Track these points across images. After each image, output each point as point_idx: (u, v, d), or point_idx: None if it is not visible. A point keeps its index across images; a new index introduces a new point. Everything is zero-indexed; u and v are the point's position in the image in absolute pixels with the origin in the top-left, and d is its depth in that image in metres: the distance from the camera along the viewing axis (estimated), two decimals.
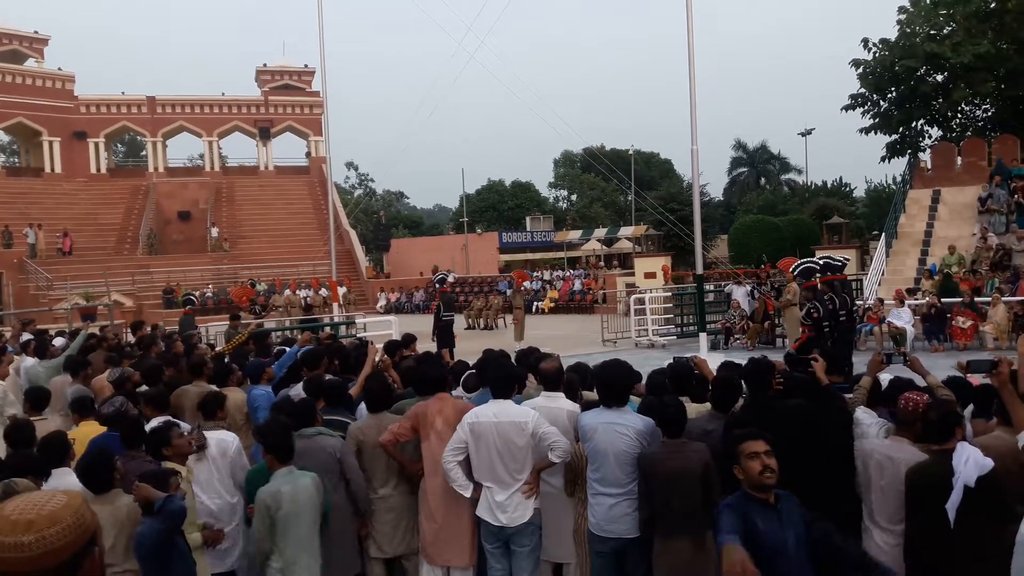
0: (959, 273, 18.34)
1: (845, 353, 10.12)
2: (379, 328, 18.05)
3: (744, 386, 4.93)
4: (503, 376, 4.97)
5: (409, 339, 8.38)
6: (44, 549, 1.62)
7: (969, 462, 3.58)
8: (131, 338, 12.36)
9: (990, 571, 3.38)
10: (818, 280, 11.76)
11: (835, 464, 4.36)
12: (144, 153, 47.26)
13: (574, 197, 65.33)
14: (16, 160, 47.97)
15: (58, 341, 10.91)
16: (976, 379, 4.91)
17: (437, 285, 17.65)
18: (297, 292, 29.59)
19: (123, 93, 42.81)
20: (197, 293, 27.75)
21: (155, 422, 5.20)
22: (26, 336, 11.54)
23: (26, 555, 1.61)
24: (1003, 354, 5.08)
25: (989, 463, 3.56)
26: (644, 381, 5.71)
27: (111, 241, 37.99)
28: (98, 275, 28.57)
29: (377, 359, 6.63)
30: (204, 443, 5.06)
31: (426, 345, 12.33)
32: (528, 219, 53.01)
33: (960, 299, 15.97)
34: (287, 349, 8.21)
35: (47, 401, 6.57)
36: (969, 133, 27.69)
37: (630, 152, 57.04)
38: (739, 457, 3.63)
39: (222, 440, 5.18)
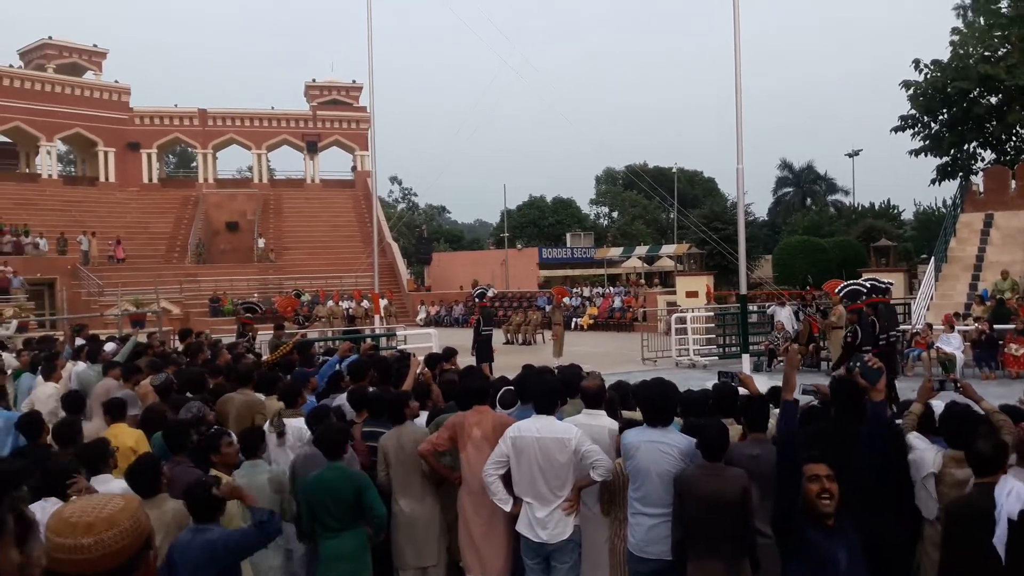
0: (1012, 299, 17.86)
1: (892, 377, 9.93)
2: (419, 340, 18.15)
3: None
4: (547, 391, 4.94)
5: (450, 352, 8.42)
6: (102, 552, 1.66)
7: (1012, 494, 3.49)
8: (179, 345, 12.62)
9: None
10: (863, 302, 11.57)
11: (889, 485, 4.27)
12: (195, 164, 48.40)
13: (615, 214, 65.16)
14: (72, 169, 49.48)
15: (108, 347, 11.18)
16: None
17: (477, 299, 17.75)
18: (340, 303, 29.93)
19: (176, 106, 44.00)
20: (256, 298, 27.90)
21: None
22: (79, 341, 11.88)
23: (84, 557, 1.65)
24: None
25: None
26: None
27: (161, 249, 38.92)
28: (148, 282, 29.26)
29: (418, 371, 6.68)
30: (283, 430, 5.44)
31: (465, 359, 12.37)
32: (568, 235, 52.97)
33: (1013, 326, 15.55)
34: (329, 359, 8.31)
35: (83, 404, 6.71)
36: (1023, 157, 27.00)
37: (673, 170, 56.72)
38: (800, 477, 3.58)
39: (300, 428, 5.47)
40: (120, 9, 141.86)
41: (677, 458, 4.38)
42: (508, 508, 4.78)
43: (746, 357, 13.05)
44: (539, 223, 57.55)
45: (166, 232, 40.16)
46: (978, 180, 24.90)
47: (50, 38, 41.21)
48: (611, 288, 36.16)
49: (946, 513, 3.74)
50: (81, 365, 9.40)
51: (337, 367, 7.87)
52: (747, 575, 4.01)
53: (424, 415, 6.01)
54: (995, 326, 15.71)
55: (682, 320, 19.46)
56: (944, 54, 27.55)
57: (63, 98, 39.52)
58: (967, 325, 16.51)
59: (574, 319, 30.69)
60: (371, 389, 6.37)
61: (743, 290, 13.22)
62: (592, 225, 60.50)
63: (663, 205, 51.96)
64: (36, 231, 33.00)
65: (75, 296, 30.22)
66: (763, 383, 5.94)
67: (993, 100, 26.79)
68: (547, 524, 4.65)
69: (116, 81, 42.51)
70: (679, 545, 4.31)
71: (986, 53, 26.29)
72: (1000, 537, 3.44)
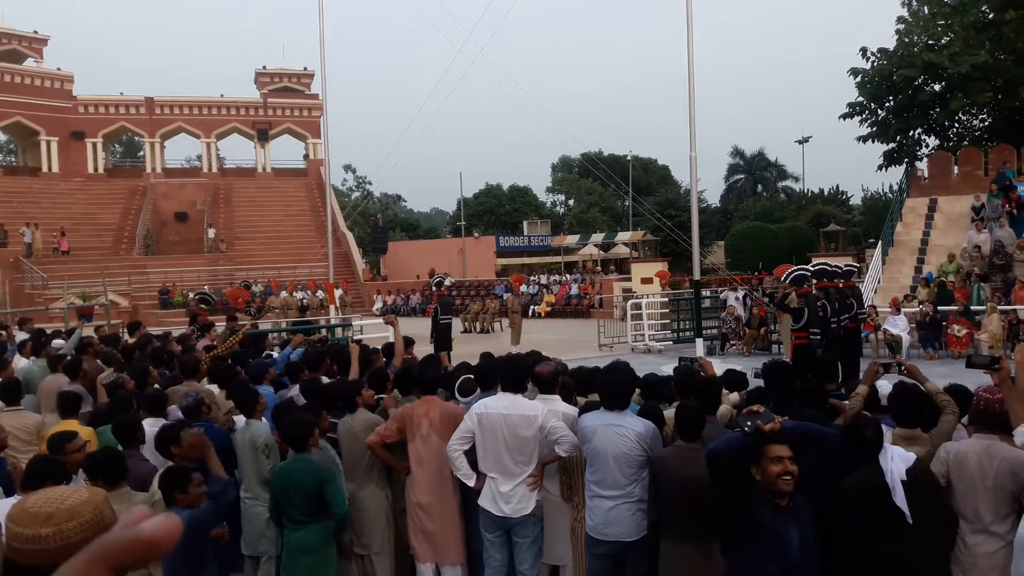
0: (953, 282, 18.41)
1: (838, 359, 10.17)
2: (376, 331, 18.01)
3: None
4: (518, 372, 5.01)
5: (407, 342, 8.39)
6: (61, 543, 1.63)
7: (894, 459, 3.73)
8: (128, 339, 12.33)
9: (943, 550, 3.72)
10: (812, 287, 11.83)
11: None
12: (142, 154, 47.25)
13: (571, 202, 65.42)
14: (13, 159, 47.93)
15: (56, 342, 10.88)
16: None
17: (434, 288, 17.67)
18: (294, 294, 29.58)
19: (121, 94, 42.82)
20: (208, 291, 27.38)
21: (149, 423, 5.24)
22: (21, 335, 11.52)
23: (43, 548, 1.63)
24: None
25: (912, 455, 3.76)
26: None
27: (108, 241, 37.96)
28: (95, 275, 28.53)
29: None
30: (234, 426, 5.45)
31: (424, 348, 12.34)
32: (525, 223, 53.06)
33: (955, 307, 16.04)
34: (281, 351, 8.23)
35: (20, 393, 6.55)
36: (966, 143, 27.76)
37: (628, 158, 57.13)
38: (761, 458, 3.59)
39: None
40: None
41: (634, 441, 4.41)
42: (471, 483, 4.86)
43: (699, 341, 13.27)
44: (496, 211, 57.49)
45: (113, 223, 39.17)
46: (923, 166, 25.56)
47: None
48: (568, 275, 36.35)
49: (843, 492, 3.80)
50: (25, 361, 9.14)
51: (289, 359, 7.82)
52: (717, 558, 4.05)
53: None
54: (939, 307, 16.20)
55: (637, 306, 19.66)
56: (890, 42, 28.19)
57: (2, 86, 38.20)
58: (912, 307, 16.98)
59: (532, 306, 30.81)
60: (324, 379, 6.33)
61: (696, 276, 13.42)
62: (549, 213, 60.66)
63: (618, 193, 52.31)
64: None
65: (18, 290, 29.34)
66: (718, 367, 6.07)
67: (937, 87, 27.48)
68: (511, 498, 4.74)
69: (59, 68, 41.21)
70: (654, 526, 4.37)
71: (930, 41, 26.95)
72: (901, 499, 3.63)
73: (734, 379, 5.99)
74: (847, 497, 3.79)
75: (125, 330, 14.40)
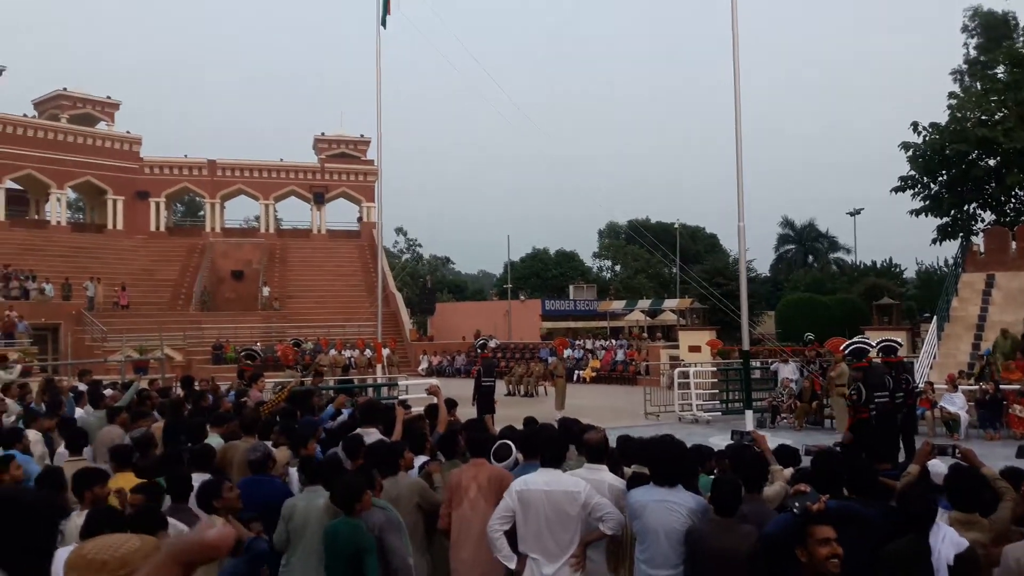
0: (996, 361, 17.84)
1: (894, 438, 9.90)
2: (421, 391, 18.00)
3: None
4: (554, 444, 4.90)
5: (451, 404, 8.43)
6: None
7: (945, 540, 3.67)
8: (180, 392, 12.63)
9: None
10: (869, 360, 11.56)
11: None
12: (202, 213, 48.91)
13: (618, 268, 65.50)
14: (81, 216, 50.00)
15: (107, 392, 11.21)
16: None
17: (479, 350, 17.73)
18: (342, 352, 29.94)
19: (185, 156, 44.66)
20: (258, 347, 27.93)
21: (198, 478, 5.34)
22: (80, 386, 11.90)
23: None
24: None
25: (965, 542, 3.67)
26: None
27: (166, 297, 39.09)
28: (152, 329, 29.37)
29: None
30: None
31: (466, 410, 12.35)
32: (571, 287, 53.18)
33: (1017, 386, 15.51)
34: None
35: (85, 441, 6.72)
36: (1023, 219, 27.25)
37: (675, 226, 57.23)
38: (807, 539, 3.53)
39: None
40: (135, 62, 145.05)
41: (686, 517, 4.31)
42: (512, 565, 4.65)
43: (749, 413, 13.02)
44: (542, 275, 57.85)
45: (172, 279, 40.41)
46: (978, 240, 25.10)
47: (64, 89, 42.06)
48: (614, 341, 36.16)
49: (885, 559, 3.75)
50: (80, 411, 9.42)
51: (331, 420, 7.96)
52: None
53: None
54: (1000, 386, 15.66)
55: (685, 375, 19.42)
56: (941, 118, 28.07)
57: (75, 147, 40.18)
58: (969, 384, 16.46)
59: (576, 371, 30.63)
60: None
61: (745, 346, 13.26)
62: (595, 278, 60.80)
63: (665, 260, 52.24)
64: (42, 277, 33.25)
65: (79, 341, 30.27)
66: (768, 441, 5.94)
67: (991, 163, 27.18)
68: None
69: (128, 131, 43.26)
70: None
71: (983, 117, 26.77)
72: None
73: (786, 454, 5.82)
74: (887, 562, 3.73)
75: (177, 384, 14.76)
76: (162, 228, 43.81)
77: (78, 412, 9.41)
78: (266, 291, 39.32)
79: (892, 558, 3.72)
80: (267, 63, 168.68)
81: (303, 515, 4.93)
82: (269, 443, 6.73)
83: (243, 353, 19.02)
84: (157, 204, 43.27)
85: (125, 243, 41.22)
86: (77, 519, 4.40)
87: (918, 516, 3.81)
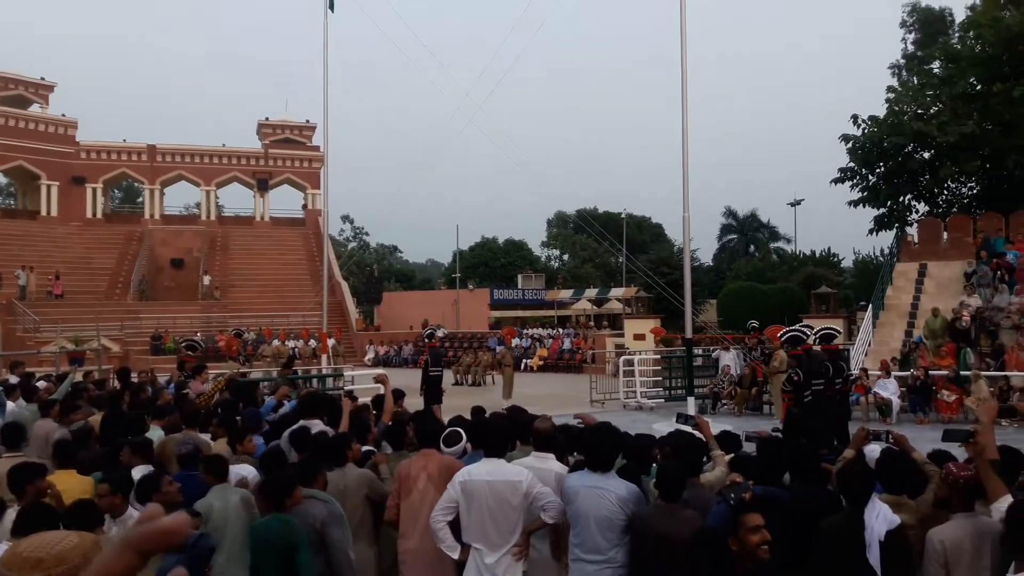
0: (927, 346, 18.66)
1: (831, 423, 10.18)
2: (367, 382, 17.91)
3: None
4: (499, 435, 4.91)
5: (398, 394, 8.39)
6: None
7: (879, 517, 3.82)
8: (117, 384, 12.30)
9: None
10: (801, 349, 11.91)
11: None
12: (141, 199, 47.61)
13: (566, 257, 65.87)
14: (12, 203, 48.19)
15: (40, 384, 10.86)
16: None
17: (426, 339, 17.63)
18: (286, 342, 29.51)
19: (124, 140, 43.34)
20: (199, 337, 27.26)
21: (139, 471, 5.23)
22: (12, 379, 11.49)
23: None
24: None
25: (897, 519, 3.86)
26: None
27: (103, 286, 37.98)
28: (88, 319, 28.54)
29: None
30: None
31: (414, 400, 12.32)
32: (520, 277, 53.33)
33: (946, 372, 16.12)
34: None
35: (22, 437, 6.51)
36: (955, 209, 28.22)
37: (622, 215, 57.77)
38: (739, 528, 3.59)
39: (237, 473, 5.34)
40: (70, 43, 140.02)
41: (615, 504, 4.34)
42: (456, 555, 4.67)
43: (691, 400, 13.26)
44: (491, 264, 57.85)
45: (109, 268, 39.25)
46: (913, 231, 25.94)
47: None
48: (561, 329, 36.41)
49: (820, 533, 3.91)
50: (12, 404, 9.11)
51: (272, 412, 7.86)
52: None
53: None
54: (929, 372, 16.26)
55: (630, 363, 19.69)
56: (880, 111, 28.85)
57: (6, 130, 38.69)
58: (903, 372, 17.04)
59: (524, 360, 30.78)
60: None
61: (689, 334, 13.48)
62: (543, 267, 61.02)
63: (612, 250, 52.72)
64: None
65: (10, 332, 29.25)
66: (713, 427, 6.06)
67: (926, 155, 28.03)
68: (496, 570, 4.55)
69: (63, 115, 41.77)
70: None
71: (919, 111, 27.59)
72: (874, 556, 3.73)
73: (729, 441, 5.95)
74: (822, 537, 3.90)
75: (114, 376, 14.36)
76: (99, 215, 42.52)
77: (10, 406, 9.10)
78: (207, 280, 38.50)
79: (827, 532, 3.88)
80: (210, 45, 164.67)
81: (221, 514, 4.70)
82: (207, 436, 6.63)
83: (183, 344, 18.57)
84: (94, 190, 41.97)
85: (60, 230, 39.89)
86: (12, 516, 4.27)
87: (855, 493, 3.99)
